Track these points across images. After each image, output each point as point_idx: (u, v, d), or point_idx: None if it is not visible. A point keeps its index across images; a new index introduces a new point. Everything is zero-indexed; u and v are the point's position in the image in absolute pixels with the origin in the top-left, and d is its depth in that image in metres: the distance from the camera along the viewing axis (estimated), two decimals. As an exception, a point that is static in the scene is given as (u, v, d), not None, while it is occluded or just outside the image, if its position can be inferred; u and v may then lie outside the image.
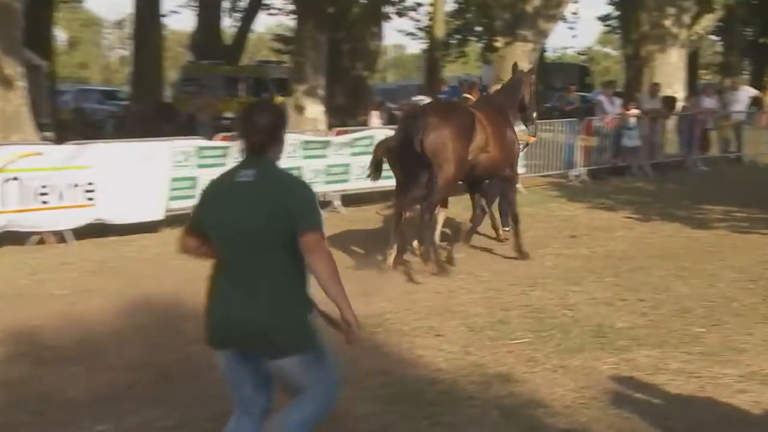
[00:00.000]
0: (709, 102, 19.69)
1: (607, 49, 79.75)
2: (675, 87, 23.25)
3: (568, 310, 7.40)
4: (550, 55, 56.70)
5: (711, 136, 19.79)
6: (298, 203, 3.58)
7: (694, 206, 13.42)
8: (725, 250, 10.14)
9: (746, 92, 20.92)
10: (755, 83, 37.07)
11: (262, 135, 3.65)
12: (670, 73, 24.29)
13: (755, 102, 22.41)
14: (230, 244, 3.60)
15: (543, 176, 16.35)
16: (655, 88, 18.89)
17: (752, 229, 11.52)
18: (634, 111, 17.56)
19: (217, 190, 3.71)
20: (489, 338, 6.62)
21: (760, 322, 7.03)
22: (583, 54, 65.69)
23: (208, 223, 3.67)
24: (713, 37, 47.42)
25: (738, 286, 8.32)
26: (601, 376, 5.78)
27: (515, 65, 10.11)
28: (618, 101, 18.11)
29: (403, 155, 8.36)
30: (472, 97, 11.01)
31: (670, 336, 6.65)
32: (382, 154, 8.86)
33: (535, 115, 9.99)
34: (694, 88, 27.71)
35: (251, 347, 3.59)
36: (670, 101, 19.31)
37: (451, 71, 54.58)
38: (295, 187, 3.66)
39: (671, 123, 19.20)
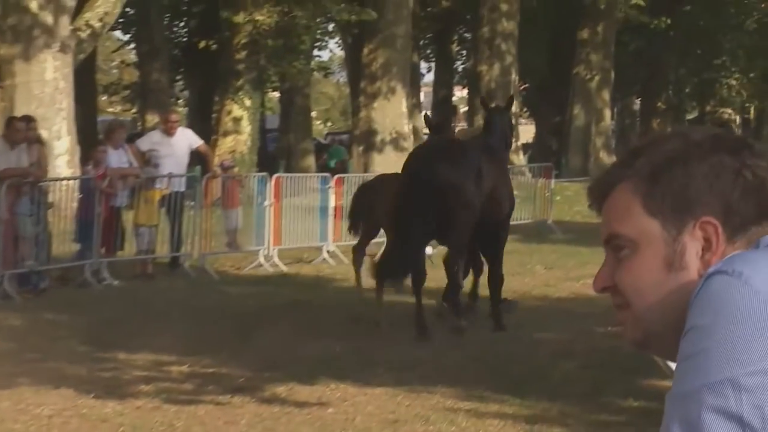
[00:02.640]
0: (118, 157, 20.21)
1: None
2: (57, 127, 24.02)
3: None
4: None
5: (129, 219, 20.54)
6: None
7: (98, 356, 13.83)
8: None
9: (186, 139, 21.68)
10: (200, 123, 39.15)
11: None
12: (43, 99, 24.99)
13: (198, 158, 23.43)
14: None
15: None
16: (21, 126, 19.02)
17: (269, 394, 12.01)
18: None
19: None
20: None
21: None
22: None
23: None
24: (119, 34, 50.26)
25: None
26: None
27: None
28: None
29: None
30: None
31: None
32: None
33: None
34: (91, 127, 28.77)
35: None
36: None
37: None
38: None
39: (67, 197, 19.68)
